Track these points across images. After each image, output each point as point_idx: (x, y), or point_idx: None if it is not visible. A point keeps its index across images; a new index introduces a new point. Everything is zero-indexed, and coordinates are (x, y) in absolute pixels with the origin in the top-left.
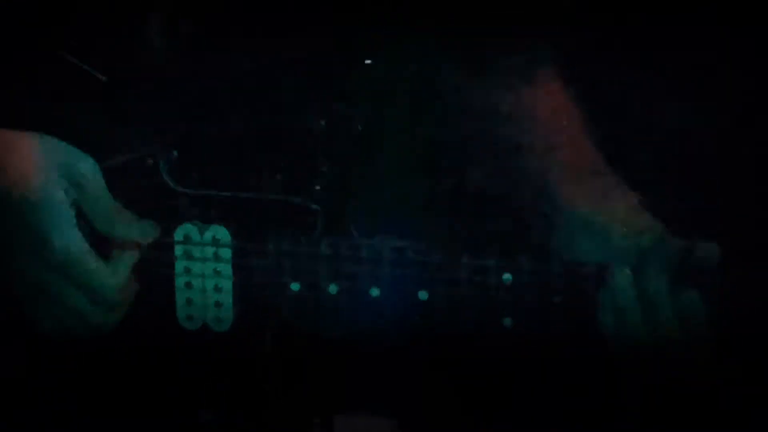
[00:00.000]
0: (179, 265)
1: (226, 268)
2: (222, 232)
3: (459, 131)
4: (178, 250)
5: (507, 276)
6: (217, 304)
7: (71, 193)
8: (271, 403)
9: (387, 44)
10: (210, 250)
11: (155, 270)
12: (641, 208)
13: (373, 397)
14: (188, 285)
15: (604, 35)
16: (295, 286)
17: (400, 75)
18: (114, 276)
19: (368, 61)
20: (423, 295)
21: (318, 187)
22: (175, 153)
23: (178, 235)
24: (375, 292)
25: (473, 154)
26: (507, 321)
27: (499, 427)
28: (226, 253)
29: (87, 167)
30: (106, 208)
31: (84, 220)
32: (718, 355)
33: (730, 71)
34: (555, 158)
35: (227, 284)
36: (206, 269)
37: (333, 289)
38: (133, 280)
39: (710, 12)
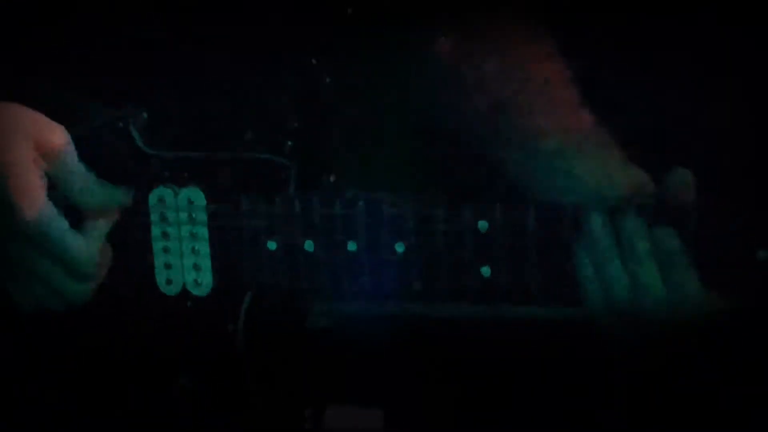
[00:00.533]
0: (156, 229)
1: (203, 231)
2: (196, 194)
3: (433, 83)
4: (154, 213)
5: (483, 223)
6: (196, 267)
7: (42, 163)
8: (262, 396)
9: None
10: (185, 213)
11: (132, 235)
12: (628, 160)
13: (360, 388)
14: (165, 249)
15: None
16: (271, 245)
17: (371, 30)
18: (87, 246)
19: (314, 61)
20: (400, 246)
21: (290, 143)
22: (145, 115)
23: (153, 198)
24: (352, 246)
25: (447, 105)
26: (485, 269)
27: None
28: (202, 215)
29: (58, 137)
30: (78, 177)
31: (56, 190)
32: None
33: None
34: (541, 116)
35: (204, 246)
36: (182, 232)
37: (309, 245)
38: (108, 249)
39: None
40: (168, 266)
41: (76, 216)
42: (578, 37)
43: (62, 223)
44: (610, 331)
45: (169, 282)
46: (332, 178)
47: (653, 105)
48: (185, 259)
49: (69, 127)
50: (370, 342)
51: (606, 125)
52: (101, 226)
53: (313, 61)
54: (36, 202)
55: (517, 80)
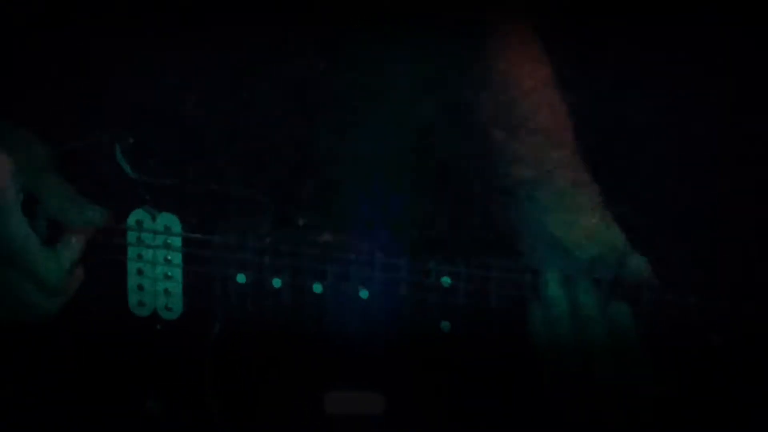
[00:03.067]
0: (132, 251)
1: (176, 257)
2: (173, 221)
3: (415, 129)
4: (131, 235)
5: (446, 279)
6: (167, 292)
7: (19, 178)
8: (263, 383)
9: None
10: (161, 238)
11: (108, 254)
12: (605, 212)
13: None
14: (140, 271)
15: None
16: (241, 278)
17: (351, 78)
18: (58, 262)
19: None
20: (364, 293)
21: (268, 181)
22: (131, 139)
23: (131, 220)
24: (318, 288)
25: (426, 155)
26: (444, 324)
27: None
28: (176, 241)
29: (39, 152)
30: (57, 193)
31: (34, 205)
32: (647, 371)
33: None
34: (530, 165)
35: (177, 273)
36: (157, 256)
37: (277, 283)
38: (80, 266)
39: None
40: (141, 288)
41: (52, 230)
42: (578, 76)
43: (34, 239)
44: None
45: (141, 304)
46: (303, 221)
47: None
48: (158, 283)
49: (53, 145)
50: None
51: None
52: (75, 243)
53: (296, 104)
54: (8, 217)
55: (508, 124)
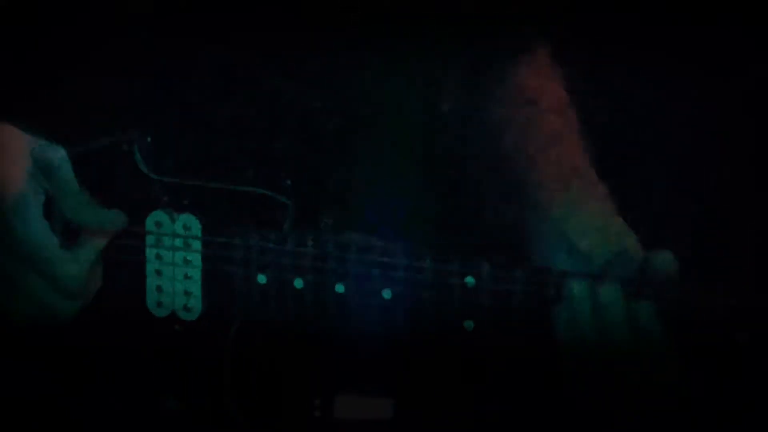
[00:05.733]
0: (150, 252)
1: (196, 258)
2: (192, 222)
3: (435, 131)
4: (150, 237)
5: (470, 279)
6: (186, 293)
7: (40, 180)
8: (272, 385)
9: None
10: (180, 239)
11: (127, 255)
12: (617, 216)
13: (371, 380)
14: (158, 272)
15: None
16: (261, 279)
17: (377, 72)
18: (77, 264)
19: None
20: (387, 293)
21: (289, 182)
22: (150, 139)
23: (150, 221)
24: (340, 288)
25: (449, 153)
26: (468, 324)
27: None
28: (196, 242)
29: (56, 156)
30: (74, 196)
31: (53, 208)
32: (672, 370)
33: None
34: (537, 156)
35: (196, 273)
36: (176, 257)
37: (299, 283)
38: (99, 269)
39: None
40: (159, 289)
41: (71, 233)
42: (589, 86)
43: (53, 241)
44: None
45: (159, 304)
46: (327, 221)
47: (656, 175)
48: (177, 284)
49: (73, 145)
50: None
51: (607, 183)
52: (93, 246)
53: (315, 104)
54: (28, 219)
55: (523, 131)
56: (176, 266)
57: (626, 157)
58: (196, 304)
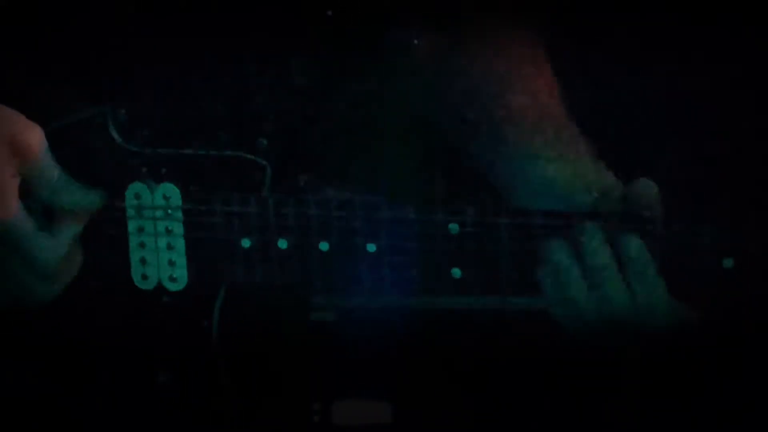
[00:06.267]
0: (132, 225)
1: (178, 227)
2: (172, 191)
3: (409, 81)
4: (130, 209)
5: (453, 226)
6: (171, 263)
7: (15, 161)
8: (271, 390)
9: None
10: (161, 209)
11: (108, 230)
12: (598, 160)
13: (369, 382)
14: (141, 245)
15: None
16: (245, 243)
17: (350, 31)
18: (54, 247)
19: (329, 13)
20: (371, 247)
21: (265, 142)
22: (124, 111)
23: (129, 194)
24: (324, 246)
25: (422, 105)
26: (455, 271)
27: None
28: (177, 211)
29: (32, 136)
30: (50, 177)
31: (29, 190)
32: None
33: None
34: (515, 107)
35: (179, 243)
36: (158, 228)
37: (282, 243)
38: (78, 251)
39: None
40: (143, 262)
41: (48, 216)
42: (565, 40)
43: (29, 223)
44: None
45: (144, 277)
46: (305, 179)
47: (625, 109)
48: (161, 254)
49: (46, 122)
50: (377, 336)
51: (578, 125)
52: (71, 228)
53: (292, 60)
54: (4, 201)
55: (498, 83)
56: (159, 236)
57: (603, 101)
58: (182, 273)
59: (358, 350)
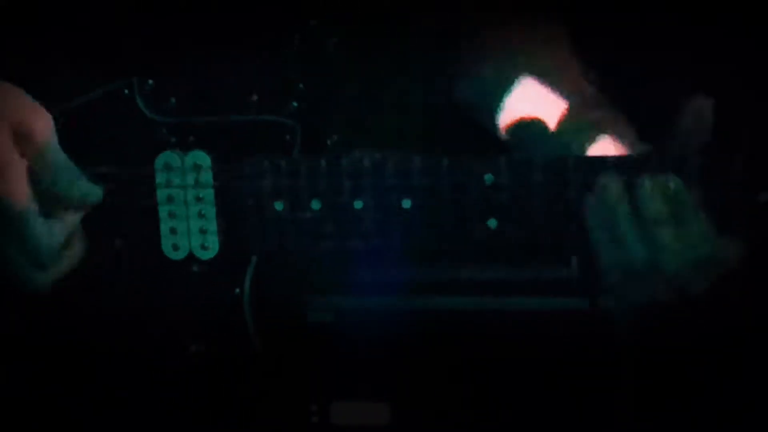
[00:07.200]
0: (161, 194)
1: (209, 194)
2: (202, 158)
3: (435, 44)
4: (160, 178)
5: (489, 176)
6: (202, 231)
7: (21, 146)
8: (268, 392)
9: None
10: (191, 177)
11: (138, 201)
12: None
13: (368, 383)
14: (171, 214)
15: None
16: (278, 206)
17: None
18: (51, 236)
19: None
20: (406, 203)
21: (294, 104)
22: (151, 82)
23: (159, 163)
24: (358, 204)
25: (450, 64)
26: (492, 222)
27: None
28: (208, 178)
29: (39, 122)
30: (53, 164)
31: (35, 174)
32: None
33: None
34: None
35: (210, 210)
36: (188, 196)
37: (316, 205)
38: (77, 241)
39: None
40: (174, 231)
41: (48, 203)
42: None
43: (33, 207)
44: (622, 298)
45: (175, 248)
46: (335, 138)
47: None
48: (191, 223)
49: (69, 99)
50: (375, 337)
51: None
52: (68, 218)
53: (313, 22)
54: (8, 186)
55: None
56: (189, 205)
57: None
58: (213, 241)
59: (356, 351)
